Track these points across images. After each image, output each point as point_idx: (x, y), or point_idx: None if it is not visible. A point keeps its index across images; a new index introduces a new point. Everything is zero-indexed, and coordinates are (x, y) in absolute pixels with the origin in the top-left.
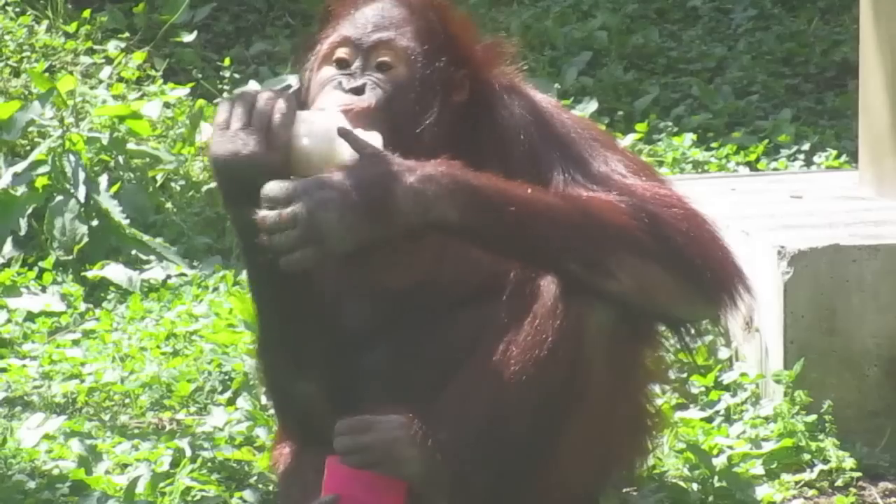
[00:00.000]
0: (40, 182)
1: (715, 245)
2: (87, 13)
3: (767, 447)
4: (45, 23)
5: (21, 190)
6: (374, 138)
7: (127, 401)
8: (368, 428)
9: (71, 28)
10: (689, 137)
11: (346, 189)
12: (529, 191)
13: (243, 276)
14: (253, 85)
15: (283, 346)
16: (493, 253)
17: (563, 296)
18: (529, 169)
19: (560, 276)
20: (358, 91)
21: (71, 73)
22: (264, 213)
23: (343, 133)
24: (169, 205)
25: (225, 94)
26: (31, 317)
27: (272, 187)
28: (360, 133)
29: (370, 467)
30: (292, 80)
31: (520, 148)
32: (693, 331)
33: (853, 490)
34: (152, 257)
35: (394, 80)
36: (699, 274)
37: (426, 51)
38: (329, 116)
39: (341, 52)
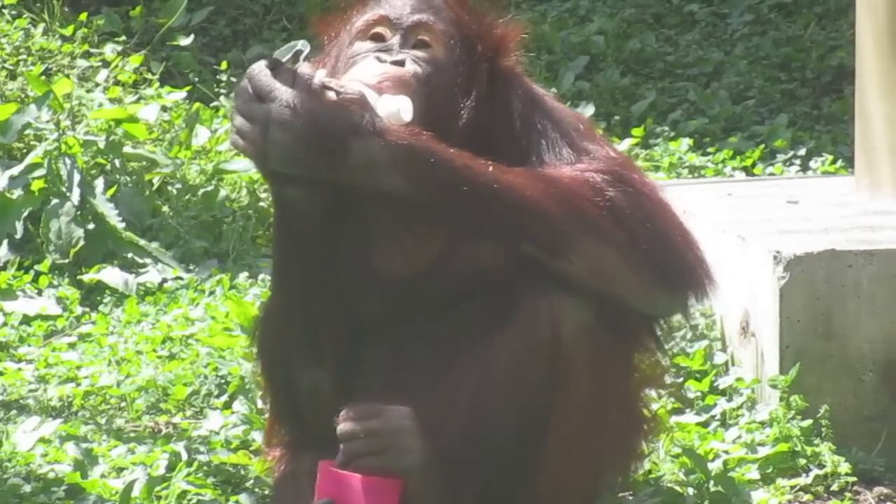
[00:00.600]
0: (36, 185)
1: (678, 236)
2: (83, 16)
3: (763, 452)
4: (42, 26)
5: (17, 193)
6: (403, 103)
7: (123, 404)
8: (374, 415)
9: (67, 31)
10: (686, 142)
11: (310, 122)
12: (491, 169)
13: (240, 279)
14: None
15: (302, 327)
16: (444, 226)
17: (540, 294)
18: (517, 150)
19: (516, 253)
20: (399, 63)
21: (67, 76)
22: (245, 96)
23: (325, 85)
24: (165, 208)
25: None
26: (26, 320)
27: (263, 77)
28: (389, 98)
29: (372, 455)
30: (302, 45)
31: (513, 132)
32: (664, 325)
33: (848, 495)
34: (148, 261)
35: (433, 59)
36: (658, 263)
37: (461, 39)
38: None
39: (378, 29)
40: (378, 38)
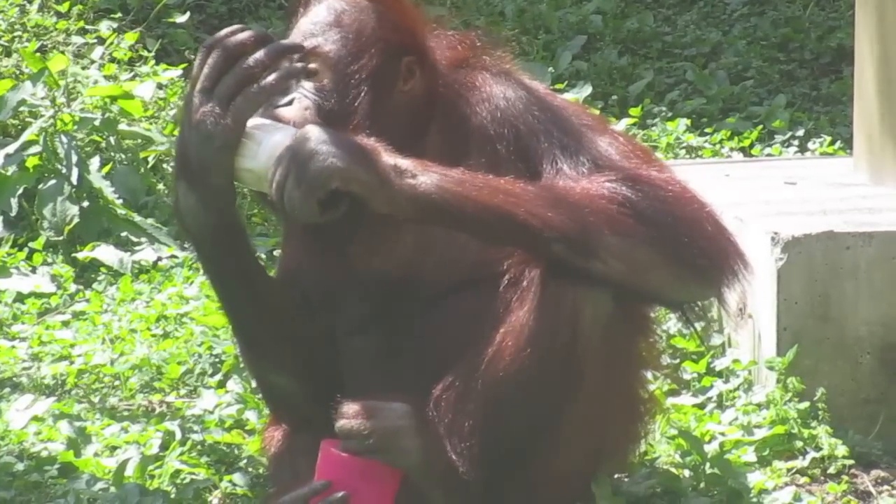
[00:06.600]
0: (31, 162)
1: (707, 223)
2: None
3: (760, 434)
4: (37, 2)
5: (12, 170)
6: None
7: (117, 383)
8: (372, 414)
9: (63, 8)
10: (684, 122)
11: (330, 142)
12: (502, 179)
13: None
14: None
15: (253, 344)
16: (474, 236)
17: (559, 286)
18: (518, 157)
19: (546, 258)
20: (287, 104)
21: (63, 53)
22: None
23: None
24: (161, 186)
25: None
26: (20, 298)
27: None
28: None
29: (370, 454)
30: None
31: (507, 136)
32: (696, 311)
33: (845, 478)
34: (143, 239)
35: (319, 87)
36: (690, 253)
37: (356, 49)
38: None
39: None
40: None
